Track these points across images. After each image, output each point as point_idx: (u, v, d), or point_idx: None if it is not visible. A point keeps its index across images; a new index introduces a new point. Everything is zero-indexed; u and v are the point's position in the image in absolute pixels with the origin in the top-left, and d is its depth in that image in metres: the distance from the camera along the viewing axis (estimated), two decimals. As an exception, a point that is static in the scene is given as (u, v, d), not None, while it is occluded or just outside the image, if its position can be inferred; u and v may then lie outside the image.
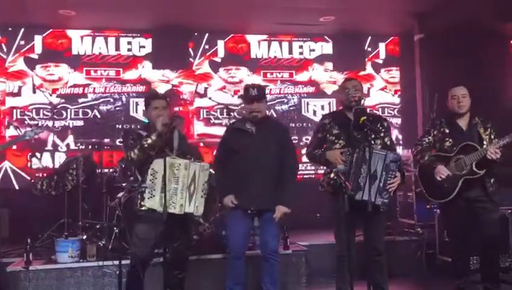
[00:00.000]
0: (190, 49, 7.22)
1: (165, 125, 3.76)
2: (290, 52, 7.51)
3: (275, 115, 7.24)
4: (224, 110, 6.71)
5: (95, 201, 5.37)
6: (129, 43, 7.12)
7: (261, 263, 4.00)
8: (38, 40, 6.91)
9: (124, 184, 4.80)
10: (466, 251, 4.27)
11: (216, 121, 7.24)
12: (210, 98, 7.01)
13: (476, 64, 6.54)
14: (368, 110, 4.19)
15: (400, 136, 7.68)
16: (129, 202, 4.52)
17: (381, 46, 7.74)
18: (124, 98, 7.03)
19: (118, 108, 6.99)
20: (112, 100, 7.01)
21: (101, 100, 6.98)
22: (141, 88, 7.08)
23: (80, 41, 6.99)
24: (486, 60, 6.69)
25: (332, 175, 3.75)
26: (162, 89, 7.12)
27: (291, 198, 3.92)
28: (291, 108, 7.44)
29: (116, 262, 4.49)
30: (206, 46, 7.29)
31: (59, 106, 6.80)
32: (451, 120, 4.22)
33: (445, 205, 4.20)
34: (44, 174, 6.13)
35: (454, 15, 6.32)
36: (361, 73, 7.49)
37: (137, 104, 7.02)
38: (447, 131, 4.20)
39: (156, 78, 7.15)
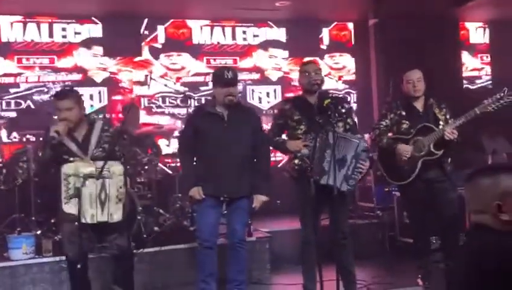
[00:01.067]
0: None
1: (57, 133, 3.41)
2: (234, 38, 7.34)
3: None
4: (182, 97, 6.58)
5: (49, 195, 5.13)
6: (63, 29, 6.73)
7: (227, 252, 3.92)
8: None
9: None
10: (426, 232, 4.35)
11: (158, 110, 7.00)
12: (166, 85, 6.79)
13: (429, 47, 6.67)
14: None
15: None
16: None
17: (325, 32, 7.60)
18: (58, 88, 6.56)
19: (52, 98, 6.60)
20: (45, 90, 6.62)
21: (35, 90, 6.58)
22: (77, 76, 6.75)
23: (10, 28, 6.55)
24: (439, 43, 6.83)
25: (296, 161, 3.75)
26: (99, 77, 6.82)
27: (268, 186, 3.85)
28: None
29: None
30: (146, 32, 7.01)
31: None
32: (407, 103, 4.27)
33: (405, 187, 4.24)
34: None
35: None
36: (306, 59, 7.44)
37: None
38: (404, 113, 4.24)
39: (93, 66, 6.82)
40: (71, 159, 3.49)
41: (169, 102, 7.04)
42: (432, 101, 4.23)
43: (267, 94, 7.43)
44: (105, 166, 3.39)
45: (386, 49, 6.91)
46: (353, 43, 7.67)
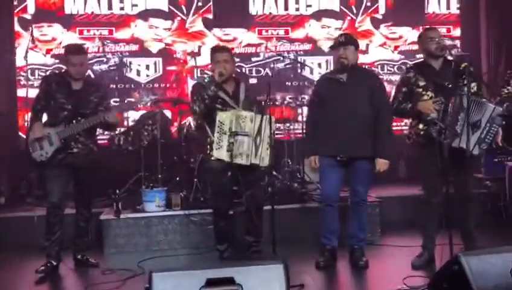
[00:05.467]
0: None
1: (221, 75, 3.86)
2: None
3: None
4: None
5: (171, 155, 5.55)
6: (121, 1, 6.83)
7: (348, 211, 4.13)
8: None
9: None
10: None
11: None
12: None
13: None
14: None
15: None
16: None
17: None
18: (116, 58, 6.83)
19: (111, 68, 6.76)
20: (105, 60, 6.81)
21: (95, 60, 6.74)
22: (134, 47, 6.86)
23: (73, 2, 6.74)
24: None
25: (421, 126, 3.82)
26: (154, 48, 6.92)
27: (388, 150, 3.96)
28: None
29: (201, 211, 4.74)
30: (199, 3, 6.88)
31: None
32: None
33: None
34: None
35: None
36: (360, 29, 7.03)
37: (130, 63, 6.84)
38: None
39: (149, 37, 6.88)
40: (223, 108, 3.85)
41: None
42: None
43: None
44: (259, 114, 3.74)
45: (496, 16, 6.64)
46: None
